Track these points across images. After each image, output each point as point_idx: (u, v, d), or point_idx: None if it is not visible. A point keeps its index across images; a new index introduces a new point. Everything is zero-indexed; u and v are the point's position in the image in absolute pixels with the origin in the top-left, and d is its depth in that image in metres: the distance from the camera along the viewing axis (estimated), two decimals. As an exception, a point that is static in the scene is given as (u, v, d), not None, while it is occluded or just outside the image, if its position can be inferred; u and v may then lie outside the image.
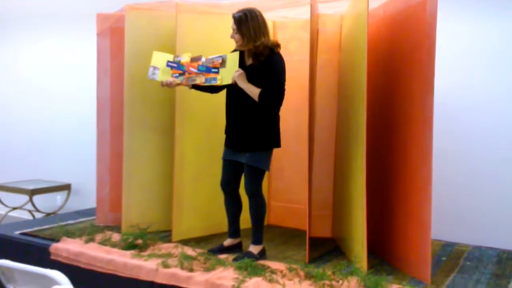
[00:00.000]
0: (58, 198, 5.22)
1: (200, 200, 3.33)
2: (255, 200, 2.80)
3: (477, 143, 3.30)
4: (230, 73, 2.74)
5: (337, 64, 3.38)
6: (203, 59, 2.86)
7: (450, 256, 2.95)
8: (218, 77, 2.80)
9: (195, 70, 2.85)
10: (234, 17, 2.71)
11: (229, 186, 2.91)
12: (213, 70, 2.82)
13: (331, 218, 3.41)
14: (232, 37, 2.75)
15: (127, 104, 3.36)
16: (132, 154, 3.38)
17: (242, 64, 2.79)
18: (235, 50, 2.84)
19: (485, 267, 2.75)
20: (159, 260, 2.70)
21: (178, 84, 2.89)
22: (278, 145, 2.83)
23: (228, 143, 2.88)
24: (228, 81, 2.76)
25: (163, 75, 2.88)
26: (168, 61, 2.89)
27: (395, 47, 2.83)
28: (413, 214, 2.57)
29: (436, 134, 2.49)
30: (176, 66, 2.88)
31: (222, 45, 3.03)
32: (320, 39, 3.34)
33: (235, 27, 2.71)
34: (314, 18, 2.90)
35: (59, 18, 5.25)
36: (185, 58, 2.89)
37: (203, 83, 2.83)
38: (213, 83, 2.81)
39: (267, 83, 2.68)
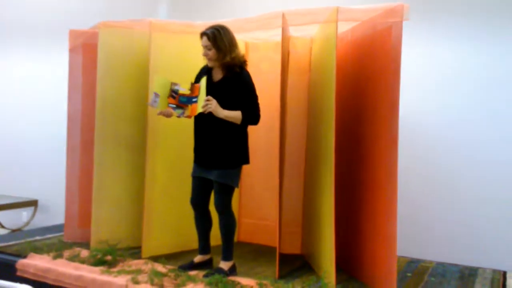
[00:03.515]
0: (24, 214, 5.10)
1: (170, 216, 3.33)
2: (225, 217, 2.83)
3: (439, 163, 3.45)
4: (201, 100, 2.69)
5: (306, 84, 3.49)
6: (182, 89, 2.78)
7: (415, 272, 3.04)
8: (190, 107, 2.73)
9: (173, 106, 2.77)
10: (207, 34, 2.74)
11: (199, 203, 2.92)
12: (193, 100, 2.75)
13: (300, 235, 3.46)
14: (205, 54, 2.77)
15: (99, 119, 3.36)
16: (102, 169, 3.37)
17: (210, 81, 2.80)
18: (204, 68, 2.90)
19: (448, 283, 2.85)
20: (129, 276, 2.69)
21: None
22: (247, 162, 2.88)
23: (197, 160, 2.90)
24: (199, 110, 2.70)
25: (163, 104, 2.78)
26: (172, 90, 2.78)
27: (362, 69, 2.95)
28: (379, 231, 2.66)
29: (402, 154, 2.60)
30: (173, 96, 2.78)
31: (196, 64, 3.08)
32: (290, 60, 3.44)
33: (208, 43, 2.74)
34: (285, 40, 3.00)
35: (32, 32, 5.21)
36: (183, 90, 2.78)
37: (181, 116, 2.76)
38: (184, 115, 2.75)
39: (241, 102, 2.74)
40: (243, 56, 2.82)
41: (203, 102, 2.66)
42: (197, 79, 2.89)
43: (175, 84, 2.79)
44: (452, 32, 3.45)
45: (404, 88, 2.68)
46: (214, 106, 2.67)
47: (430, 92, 3.50)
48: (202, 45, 2.77)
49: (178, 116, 2.77)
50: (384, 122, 2.65)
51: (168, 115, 2.80)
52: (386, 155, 2.61)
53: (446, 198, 3.43)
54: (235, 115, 2.73)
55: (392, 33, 2.63)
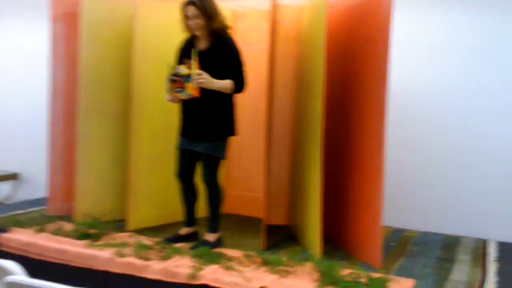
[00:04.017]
0: (4, 187, 5.01)
1: (156, 188, 3.29)
2: (212, 189, 2.81)
3: (426, 133, 3.46)
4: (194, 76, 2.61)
5: (295, 55, 3.43)
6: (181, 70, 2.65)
7: (399, 242, 3.08)
8: (188, 86, 2.62)
9: (179, 89, 2.65)
10: (193, 3, 2.66)
11: (185, 175, 2.89)
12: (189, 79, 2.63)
13: (286, 206, 3.47)
14: (192, 24, 2.69)
15: (82, 90, 3.27)
16: (86, 141, 3.30)
17: (192, 47, 2.75)
18: (187, 40, 2.83)
19: (432, 252, 2.89)
20: (114, 250, 2.66)
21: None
22: (234, 133, 2.85)
23: (184, 132, 2.85)
24: (192, 88, 2.62)
25: (169, 90, 2.69)
26: (173, 74, 2.67)
27: (352, 38, 2.90)
28: (365, 202, 2.67)
29: (390, 126, 2.59)
30: (176, 79, 2.66)
31: (182, 33, 2.99)
32: (279, 29, 3.36)
33: (196, 12, 2.66)
34: (274, 8, 2.92)
35: (10, 1, 5.01)
36: (182, 70, 2.66)
37: (184, 97, 2.66)
38: (186, 96, 2.65)
39: (229, 69, 2.68)
40: (226, 20, 2.77)
41: (195, 77, 2.58)
42: (182, 53, 2.81)
43: (176, 67, 2.68)
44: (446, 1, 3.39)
45: (395, 57, 2.65)
46: (206, 80, 2.61)
47: (421, 61, 3.46)
48: (187, 15, 2.69)
49: (187, 99, 2.67)
50: (373, 91, 2.63)
51: (176, 101, 2.74)
52: (375, 125, 2.60)
53: (429, 169, 3.45)
54: (226, 85, 2.68)
55: (382, 1, 2.57)
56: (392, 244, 3.03)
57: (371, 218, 2.61)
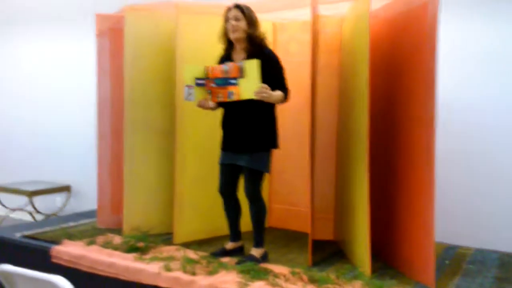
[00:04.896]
0: (57, 199, 5.20)
1: (201, 202, 3.31)
2: (256, 204, 2.79)
3: (479, 145, 3.30)
4: (251, 85, 2.53)
5: (337, 66, 3.37)
6: (223, 67, 2.62)
7: (452, 259, 2.94)
8: (235, 91, 2.58)
9: (214, 86, 2.64)
10: (238, 6, 2.71)
11: (227, 190, 2.88)
12: (231, 81, 2.59)
13: (332, 221, 3.39)
14: (234, 26, 2.68)
15: (127, 106, 3.34)
16: (133, 156, 3.37)
17: (230, 60, 2.76)
18: (223, 55, 2.83)
19: (488, 271, 2.74)
20: (162, 264, 2.69)
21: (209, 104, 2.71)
22: (276, 145, 2.82)
23: (226, 146, 2.85)
24: (249, 95, 2.54)
25: (198, 94, 2.67)
26: (196, 79, 2.65)
27: (396, 48, 2.82)
28: (416, 217, 2.56)
29: (439, 136, 2.49)
30: (202, 83, 2.66)
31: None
32: (320, 40, 3.32)
33: (239, 14, 2.69)
34: (315, 19, 2.89)
35: (60, 17, 5.22)
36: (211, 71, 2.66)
37: (227, 99, 2.61)
38: (232, 98, 2.59)
39: (272, 79, 2.64)
40: (265, 33, 2.79)
41: (258, 89, 2.52)
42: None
43: (207, 68, 2.68)
44: (493, 9, 3.24)
45: (441, 68, 2.55)
46: (269, 94, 2.57)
47: (469, 73, 3.31)
48: (230, 17, 2.71)
49: (218, 100, 2.66)
50: (420, 104, 2.53)
51: (206, 106, 2.73)
52: (423, 138, 2.50)
53: (485, 182, 3.28)
54: (279, 97, 2.66)
55: (428, 10, 2.49)
56: (446, 261, 2.89)
57: (422, 233, 2.50)
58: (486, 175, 3.28)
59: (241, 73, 2.57)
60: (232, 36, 2.73)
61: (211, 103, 2.74)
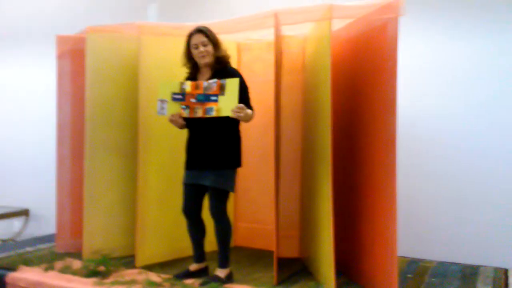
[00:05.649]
0: (15, 223, 4.99)
1: (164, 223, 3.25)
2: (221, 223, 2.76)
3: (439, 161, 3.39)
4: (229, 103, 2.55)
5: (301, 85, 3.42)
6: (205, 84, 2.63)
7: (415, 273, 2.99)
8: (215, 107, 2.59)
9: (194, 101, 2.64)
10: (201, 30, 2.71)
11: (191, 211, 2.84)
12: (212, 98, 2.60)
13: (298, 239, 3.40)
14: (202, 51, 2.70)
15: (88, 127, 3.28)
16: (93, 178, 3.29)
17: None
18: (189, 76, 2.83)
19: (450, 283, 2.79)
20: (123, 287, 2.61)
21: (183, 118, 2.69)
22: (240, 164, 2.82)
23: (191, 165, 2.81)
24: (227, 112, 2.56)
25: (171, 109, 2.66)
26: (173, 94, 2.66)
27: (358, 68, 2.89)
28: (379, 233, 2.59)
29: (400, 152, 2.54)
30: (181, 98, 2.66)
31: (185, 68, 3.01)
32: (284, 60, 3.37)
33: (205, 39, 2.70)
34: (278, 39, 2.94)
35: (17, 40, 5.11)
36: (188, 87, 2.66)
37: (204, 115, 2.61)
38: (211, 114, 2.60)
39: (239, 97, 2.62)
40: (227, 51, 2.82)
41: (235, 108, 2.53)
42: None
43: (183, 83, 2.68)
44: (451, 28, 3.39)
45: (402, 86, 2.62)
46: (244, 114, 2.57)
47: (428, 90, 3.43)
48: (196, 43, 2.71)
49: (195, 116, 2.64)
50: (381, 121, 2.59)
51: (178, 121, 2.68)
52: (384, 155, 2.55)
53: (445, 196, 3.37)
54: (251, 115, 2.67)
55: (387, 30, 2.56)
56: (408, 275, 2.93)
57: (385, 249, 2.53)
58: (446, 189, 3.37)
59: (222, 90, 2.59)
60: (203, 61, 2.74)
61: (180, 120, 2.70)
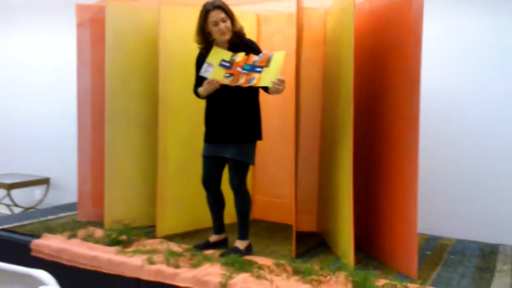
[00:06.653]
0: (37, 192, 5.10)
1: (184, 195, 3.29)
2: (241, 195, 2.78)
3: (461, 138, 3.33)
4: (271, 75, 2.57)
5: (321, 58, 3.37)
6: (255, 58, 2.66)
7: (434, 250, 2.98)
8: (257, 76, 2.60)
9: (240, 70, 2.66)
10: (220, 6, 2.66)
11: (211, 183, 2.86)
12: (257, 69, 2.63)
13: (316, 213, 3.41)
14: (222, 28, 2.65)
15: (108, 97, 3.29)
16: (114, 148, 3.32)
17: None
18: (202, 54, 2.79)
19: (469, 261, 2.79)
20: (144, 257, 2.67)
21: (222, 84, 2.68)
22: (260, 137, 2.82)
23: (211, 138, 2.82)
24: (267, 83, 2.58)
25: (216, 73, 2.66)
26: (222, 60, 2.69)
27: (381, 42, 2.83)
28: (399, 209, 2.59)
29: (422, 129, 2.51)
30: (228, 66, 2.67)
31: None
32: (304, 33, 3.32)
33: (224, 15, 2.65)
34: (300, 11, 2.88)
35: (38, 8, 5.10)
36: (239, 58, 2.69)
37: (246, 84, 2.62)
38: (252, 83, 2.60)
39: None
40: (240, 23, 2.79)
41: (276, 81, 2.54)
42: (198, 67, 2.79)
43: (234, 55, 2.70)
44: (477, 2, 3.27)
45: (426, 62, 2.56)
46: (282, 87, 2.57)
47: (453, 66, 3.34)
48: (215, 20, 2.65)
49: (237, 84, 2.64)
50: (404, 97, 2.55)
51: (214, 87, 2.65)
52: (407, 132, 2.52)
53: (466, 174, 3.33)
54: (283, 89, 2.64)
55: (412, 3, 2.50)
56: (427, 252, 2.94)
57: (405, 225, 2.53)
58: (468, 167, 3.32)
59: (267, 63, 2.63)
60: (224, 38, 2.70)
61: (217, 86, 2.68)
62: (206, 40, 2.76)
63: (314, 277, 2.37)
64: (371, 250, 2.85)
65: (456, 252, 2.96)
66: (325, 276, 2.38)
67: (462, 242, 3.18)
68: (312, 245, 3.05)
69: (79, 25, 3.58)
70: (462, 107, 3.33)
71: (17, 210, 4.98)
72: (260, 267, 2.52)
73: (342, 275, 2.37)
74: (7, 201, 4.96)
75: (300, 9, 2.87)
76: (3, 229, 3.29)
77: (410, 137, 2.49)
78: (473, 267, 2.68)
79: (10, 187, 4.77)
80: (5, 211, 5.12)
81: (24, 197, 5.09)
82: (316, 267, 2.48)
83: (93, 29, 3.55)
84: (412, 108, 2.48)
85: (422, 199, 2.59)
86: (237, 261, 2.55)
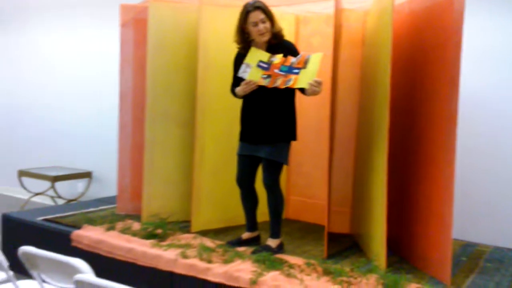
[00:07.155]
0: (79, 185, 5.30)
1: (219, 192, 3.35)
2: (274, 194, 2.81)
3: (502, 143, 3.24)
4: (309, 76, 2.58)
5: (359, 60, 3.35)
6: (293, 60, 2.67)
7: (470, 257, 2.91)
8: (294, 77, 2.61)
9: (277, 71, 2.67)
10: (260, 7, 2.68)
11: (245, 181, 2.90)
12: (294, 70, 2.64)
13: (349, 215, 3.39)
14: (262, 29, 2.68)
15: (149, 96, 3.39)
16: (153, 145, 3.42)
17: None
18: (240, 55, 2.82)
19: (506, 269, 2.71)
20: (179, 251, 2.74)
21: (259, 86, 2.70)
22: (295, 137, 2.83)
23: (246, 137, 2.86)
24: (303, 84, 2.58)
25: (253, 74, 2.69)
26: (260, 61, 2.71)
27: (420, 44, 2.79)
28: (434, 213, 2.55)
29: (460, 133, 2.46)
30: (266, 67, 2.69)
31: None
32: (343, 34, 3.31)
33: (264, 16, 2.68)
34: (338, 12, 2.88)
35: (84, 7, 5.30)
36: (277, 59, 2.70)
37: (283, 85, 2.63)
38: (288, 84, 2.61)
39: None
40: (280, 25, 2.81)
41: (313, 82, 2.55)
42: (236, 67, 2.82)
43: (272, 56, 2.73)
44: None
45: (466, 64, 2.51)
46: (319, 89, 2.59)
47: (494, 68, 3.26)
48: (255, 21, 2.68)
49: (275, 85, 2.66)
50: (443, 100, 2.51)
51: (251, 88, 2.69)
52: (445, 134, 2.48)
53: (505, 180, 3.23)
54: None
55: (453, 4, 2.45)
56: (462, 258, 2.87)
57: (440, 230, 2.49)
58: (507, 174, 3.22)
59: (305, 64, 2.64)
60: (263, 39, 2.73)
61: (254, 87, 2.71)
62: (245, 40, 2.80)
63: (344, 278, 2.37)
64: (404, 253, 2.82)
65: (493, 259, 2.87)
66: (355, 278, 2.37)
67: (500, 249, 3.08)
68: (344, 246, 3.04)
69: (123, 25, 3.70)
70: (502, 110, 3.24)
71: (60, 202, 5.20)
72: (291, 266, 2.53)
73: (372, 278, 2.36)
74: (51, 192, 5.18)
75: (338, 11, 2.87)
76: (47, 219, 3.45)
77: (448, 139, 2.45)
78: (510, 275, 2.60)
79: (54, 179, 4.98)
80: (49, 202, 5.36)
81: (68, 189, 5.31)
82: (347, 268, 2.47)
83: (136, 29, 3.67)
84: (450, 109, 2.44)
85: (459, 204, 2.54)
86: (268, 259, 2.58)
